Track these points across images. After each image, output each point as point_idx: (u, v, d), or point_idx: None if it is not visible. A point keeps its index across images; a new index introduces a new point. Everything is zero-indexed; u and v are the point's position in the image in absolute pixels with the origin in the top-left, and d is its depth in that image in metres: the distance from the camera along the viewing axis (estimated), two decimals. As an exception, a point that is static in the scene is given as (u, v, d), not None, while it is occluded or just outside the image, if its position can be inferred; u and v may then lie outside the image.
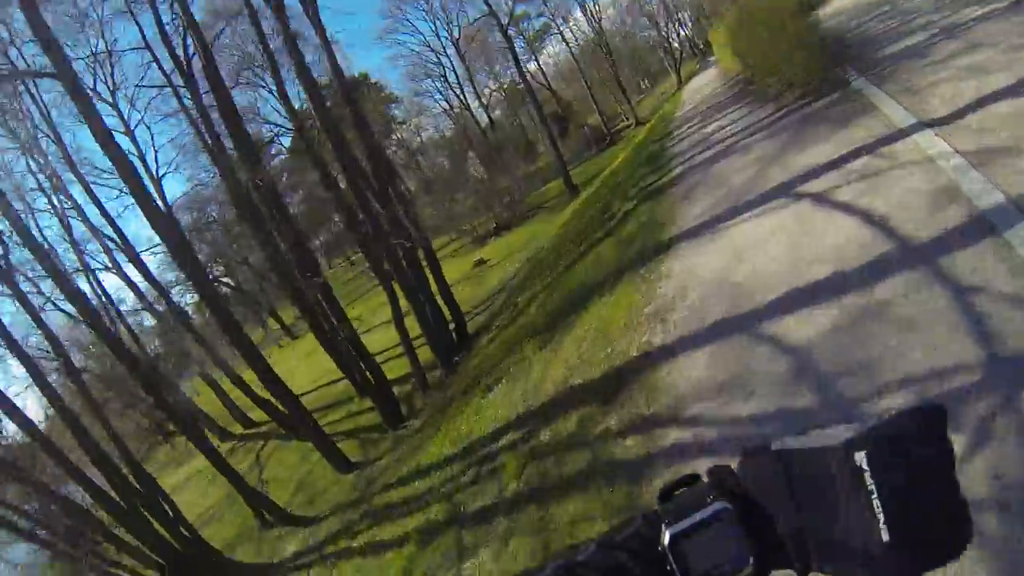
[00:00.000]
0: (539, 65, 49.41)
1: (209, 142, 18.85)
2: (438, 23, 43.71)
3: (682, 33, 61.77)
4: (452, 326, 20.38)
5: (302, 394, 19.60)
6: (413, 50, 45.11)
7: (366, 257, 20.72)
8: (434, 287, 20.18)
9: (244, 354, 17.10)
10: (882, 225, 5.50)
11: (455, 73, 46.09)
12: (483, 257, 29.27)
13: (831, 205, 6.60)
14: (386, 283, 18.85)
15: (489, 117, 46.92)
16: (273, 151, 34.28)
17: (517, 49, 45.47)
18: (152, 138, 40.31)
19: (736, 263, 7.26)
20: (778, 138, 10.32)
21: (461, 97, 46.33)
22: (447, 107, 48.48)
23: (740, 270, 7.03)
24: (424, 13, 42.85)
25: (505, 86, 56.55)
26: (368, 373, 18.76)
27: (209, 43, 17.62)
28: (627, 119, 43.64)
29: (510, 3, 38.09)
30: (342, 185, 19.27)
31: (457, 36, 43.89)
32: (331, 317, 19.35)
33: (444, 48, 45.07)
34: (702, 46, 66.62)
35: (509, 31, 39.49)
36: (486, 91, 52.05)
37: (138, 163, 23.98)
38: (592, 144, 40.31)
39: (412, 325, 19.08)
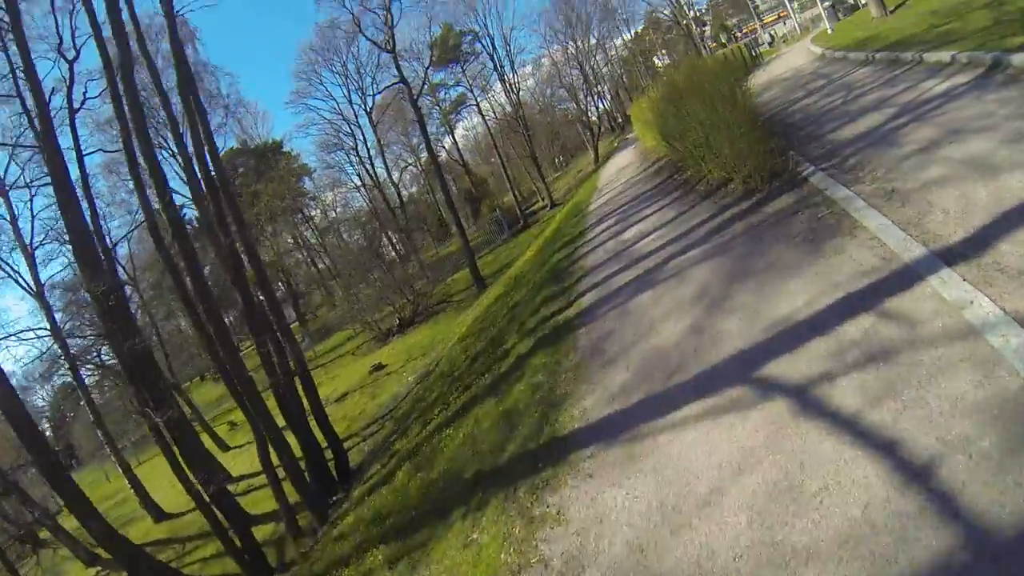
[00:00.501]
0: (454, 139, 47.64)
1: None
2: (351, 89, 41.48)
3: (601, 106, 62.11)
4: (329, 457, 16.80)
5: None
6: (324, 117, 42.61)
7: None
8: (308, 406, 16.82)
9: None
10: (932, 489, 2.78)
11: (366, 146, 43.60)
12: (381, 362, 26.05)
13: (828, 421, 3.62)
14: (240, 399, 15.26)
15: (400, 195, 44.24)
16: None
17: (436, 120, 44.15)
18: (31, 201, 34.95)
19: (669, 534, 3.82)
20: (724, 260, 7.31)
21: (371, 171, 43.60)
22: (359, 182, 45.75)
23: (676, 553, 3.62)
24: (339, 77, 40.72)
25: (422, 160, 54.99)
26: (219, 507, 14.71)
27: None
28: (542, 199, 42.01)
29: (424, 72, 36.31)
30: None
31: (371, 105, 41.76)
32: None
33: (357, 117, 42.72)
34: (621, 120, 67.58)
35: (425, 99, 37.81)
36: (402, 164, 50.04)
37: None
38: (504, 228, 38.26)
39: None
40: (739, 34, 64.39)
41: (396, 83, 31.82)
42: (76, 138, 19.81)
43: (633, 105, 31.74)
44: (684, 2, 39.80)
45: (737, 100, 9.19)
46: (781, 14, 60.39)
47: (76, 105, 20.49)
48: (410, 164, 48.82)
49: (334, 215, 51.04)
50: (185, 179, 16.16)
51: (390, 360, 25.91)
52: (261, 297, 18.31)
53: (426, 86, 37.86)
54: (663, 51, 66.99)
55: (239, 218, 17.02)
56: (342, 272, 34.52)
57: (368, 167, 42.86)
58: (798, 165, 7.99)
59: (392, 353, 27.09)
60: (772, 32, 44.10)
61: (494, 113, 43.76)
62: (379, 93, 40.32)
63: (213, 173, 16.03)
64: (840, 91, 10.88)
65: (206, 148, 16.01)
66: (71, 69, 20.30)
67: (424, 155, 52.22)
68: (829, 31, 22.88)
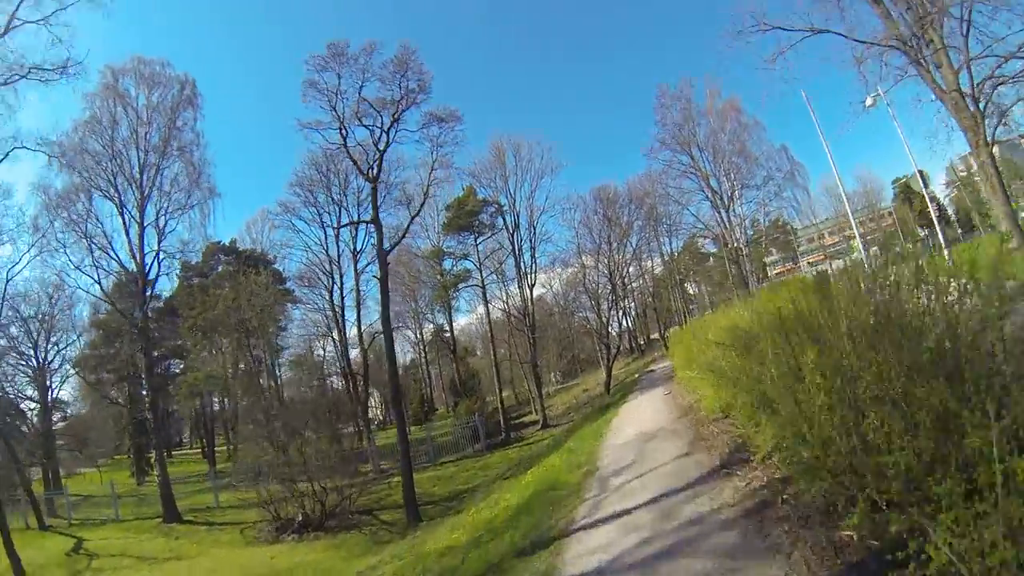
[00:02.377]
0: (450, 318, 42.01)
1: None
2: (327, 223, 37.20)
3: (624, 324, 57.44)
4: None
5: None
6: (307, 243, 37.86)
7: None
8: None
9: None
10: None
11: (341, 291, 37.57)
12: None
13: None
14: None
15: (365, 359, 37.41)
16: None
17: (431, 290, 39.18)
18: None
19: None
20: None
21: (339, 320, 37.40)
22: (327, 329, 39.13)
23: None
24: (332, 205, 36.58)
25: (424, 330, 49.47)
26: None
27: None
28: (536, 412, 35.11)
29: (404, 226, 31.24)
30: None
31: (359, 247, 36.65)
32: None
33: (340, 256, 37.55)
34: (643, 344, 62.54)
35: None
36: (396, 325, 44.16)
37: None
38: (481, 436, 30.92)
39: None
40: (771, 274, 61.51)
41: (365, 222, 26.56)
42: None
43: (677, 333, 26.01)
44: (736, 225, 35.68)
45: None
46: (823, 256, 57.49)
47: None
48: (397, 327, 42.83)
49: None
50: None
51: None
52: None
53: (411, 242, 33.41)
54: (696, 279, 63.37)
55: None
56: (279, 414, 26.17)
57: (338, 316, 36.67)
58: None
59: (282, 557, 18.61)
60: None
61: (505, 303, 38.28)
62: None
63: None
64: None
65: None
66: None
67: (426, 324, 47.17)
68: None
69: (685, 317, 58.24)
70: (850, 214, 29.32)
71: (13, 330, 33.22)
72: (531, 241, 36.17)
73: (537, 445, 27.01)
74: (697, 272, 60.38)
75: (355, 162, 21.81)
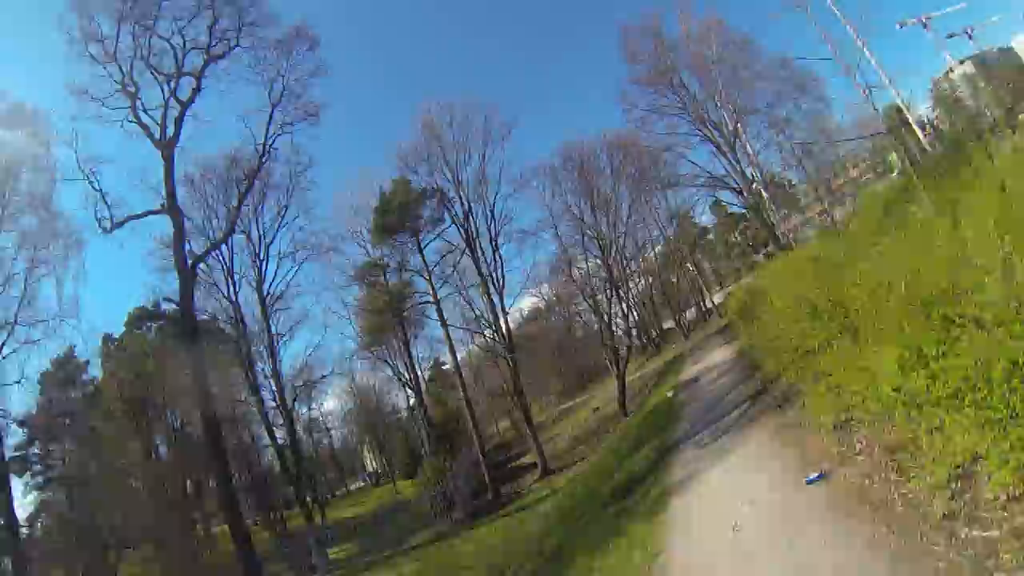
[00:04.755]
0: (406, 344, 32.88)
1: None
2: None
3: (631, 316, 48.71)
4: None
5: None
6: None
7: None
8: None
9: None
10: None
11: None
12: None
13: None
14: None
15: (290, 421, 28.43)
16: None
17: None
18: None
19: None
20: None
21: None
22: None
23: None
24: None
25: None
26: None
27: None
28: (533, 454, 26.11)
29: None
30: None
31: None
32: None
33: None
34: (656, 336, 53.14)
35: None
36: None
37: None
38: (456, 504, 22.31)
39: None
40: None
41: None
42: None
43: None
44: (749, 165, 27.30)
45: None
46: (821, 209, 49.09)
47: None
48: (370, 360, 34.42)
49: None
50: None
51: None
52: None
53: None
54: (697, 256, 54.15)
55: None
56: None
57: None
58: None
59: None
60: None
61: (475, 318, 29.38)
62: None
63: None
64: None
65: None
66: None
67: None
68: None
69: (702, 293, 49.66)
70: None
71: None
72: (490, 230, 27.93)
73: (533, 509, 18.84)
74: (695, 251, 51.43)
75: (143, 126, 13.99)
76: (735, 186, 27.84)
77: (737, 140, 27.37)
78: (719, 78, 27.37)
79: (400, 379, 37.53)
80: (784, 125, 27.51)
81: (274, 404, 28.23)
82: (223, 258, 28.19)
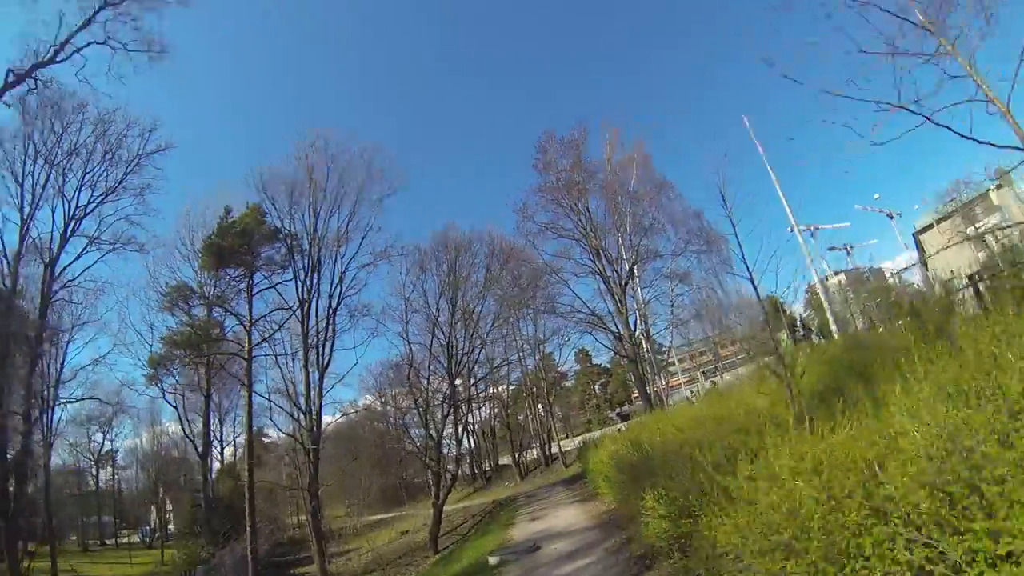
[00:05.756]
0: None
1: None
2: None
3: (467, 442, 44.74)
4: None
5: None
6: None
7: None
8: None
9: None
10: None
11: None
12: None
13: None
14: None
15: None
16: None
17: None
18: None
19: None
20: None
21: None
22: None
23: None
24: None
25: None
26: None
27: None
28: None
29: None
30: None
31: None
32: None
33: None
34: (489, 471, 47.99)
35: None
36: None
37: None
38: None
39: None
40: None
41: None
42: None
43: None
44: (636, 309, 25.84)
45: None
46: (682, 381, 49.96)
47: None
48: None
49: None
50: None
51: None
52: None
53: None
54: (551, 400, 51.40)
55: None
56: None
57: None
58: None
59: None
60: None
61: (271, 399, 24.33)
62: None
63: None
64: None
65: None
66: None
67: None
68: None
69: (549, 437, 46.21)
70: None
71: None
72: (332, 296, 23.56)
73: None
74: (552, 393, 49.00)
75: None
76: (615, 331, 26.01)
77: (630, 283, 26.01)
78: (628, 214, 26.40)
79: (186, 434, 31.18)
80: (683, 277, 26.70)
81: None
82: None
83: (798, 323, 35.31)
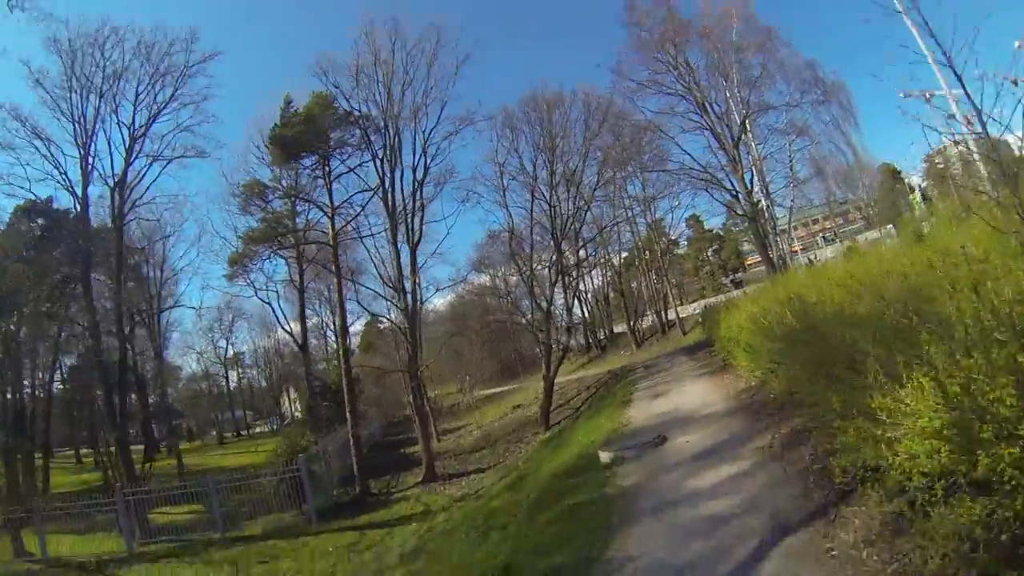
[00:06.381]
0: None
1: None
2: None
3: (580, 310, 44.46)
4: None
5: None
6: None
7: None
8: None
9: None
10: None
11: None
12: None
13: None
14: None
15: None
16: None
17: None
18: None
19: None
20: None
21: None
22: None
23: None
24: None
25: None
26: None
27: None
28: (424, 444, 21.06)
29: None
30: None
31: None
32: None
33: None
34: (604, 340, 47.39)
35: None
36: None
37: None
38: (307, 498, 17.26)
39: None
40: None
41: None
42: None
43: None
44: (750, 166, 23.25)
45: None
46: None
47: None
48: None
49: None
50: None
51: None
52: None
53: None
54: (665, 269, 49.04)
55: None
56: None
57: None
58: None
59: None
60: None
61: (380, 273, 24.16)
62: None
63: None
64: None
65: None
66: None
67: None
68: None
69: (665, 304, 44.74)
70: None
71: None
72: (415, 170, 22.78)
73: (392, 533, 14.63)
74: (666, 258, 46.68)
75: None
76: (731, 188, 23.64)
77: (743, 138, 23.19)
78: (733, 66, 23.13)
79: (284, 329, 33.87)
80: (801, 131, 23.47)
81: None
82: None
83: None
